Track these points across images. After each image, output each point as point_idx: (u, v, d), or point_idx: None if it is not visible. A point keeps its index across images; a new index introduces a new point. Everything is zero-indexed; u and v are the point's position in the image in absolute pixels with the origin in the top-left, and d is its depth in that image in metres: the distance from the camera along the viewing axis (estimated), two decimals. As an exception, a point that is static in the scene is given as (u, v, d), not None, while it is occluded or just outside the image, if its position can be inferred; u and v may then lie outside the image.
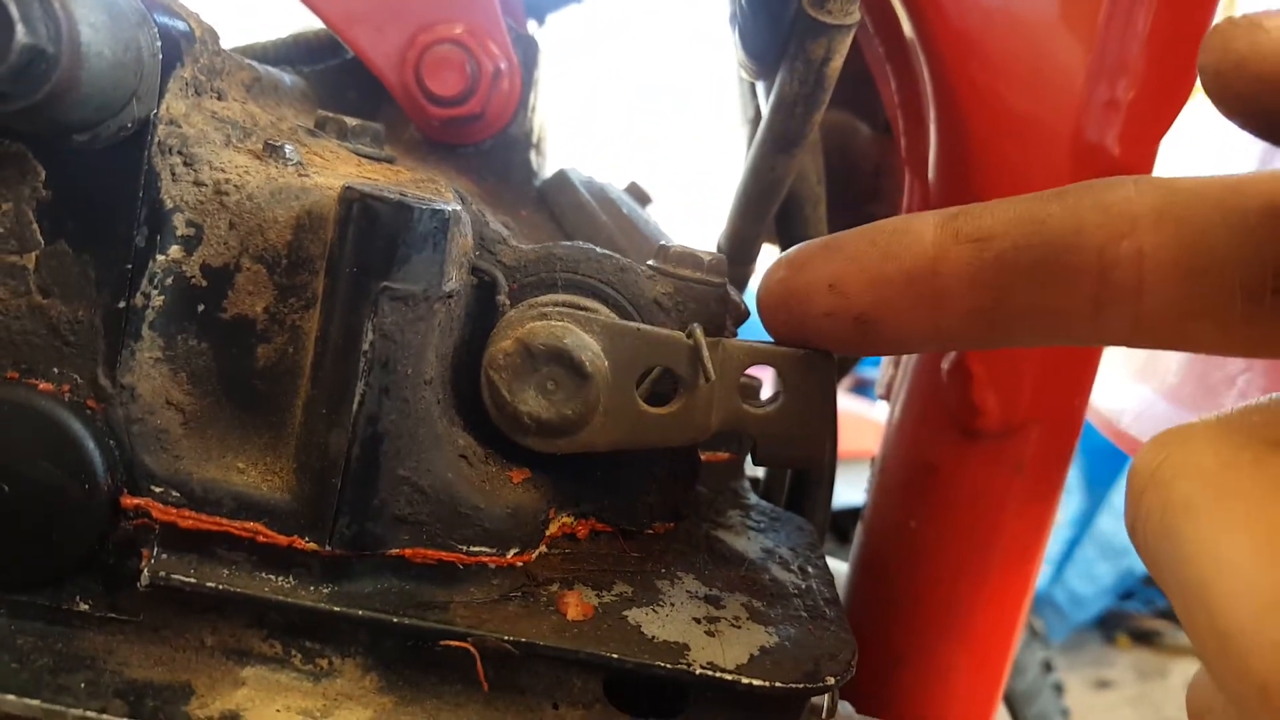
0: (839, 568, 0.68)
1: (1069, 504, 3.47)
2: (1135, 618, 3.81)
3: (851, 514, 0.71)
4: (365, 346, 0.34)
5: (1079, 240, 0.30)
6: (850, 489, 0.86)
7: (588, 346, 0.37)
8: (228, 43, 0.47)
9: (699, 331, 0.39)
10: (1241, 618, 0.21)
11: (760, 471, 0.68)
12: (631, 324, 0.39)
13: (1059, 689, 2.29)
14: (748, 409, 0.40)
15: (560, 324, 0.37)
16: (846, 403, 2.65)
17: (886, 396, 0.69)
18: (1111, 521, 3.49)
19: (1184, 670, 3.38)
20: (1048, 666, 2.27)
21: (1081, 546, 3.54)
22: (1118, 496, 3.40)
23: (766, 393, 0.48)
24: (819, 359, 0.40)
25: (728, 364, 0.39)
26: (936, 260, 0.33)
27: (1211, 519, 0.23)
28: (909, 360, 0.63)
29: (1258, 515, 0.22)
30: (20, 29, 0.29)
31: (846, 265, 0.35)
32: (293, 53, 0.54)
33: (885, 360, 0.72)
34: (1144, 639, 3.75)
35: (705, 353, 0.38)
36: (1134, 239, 0.29)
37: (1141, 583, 3.72)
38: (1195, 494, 0.23)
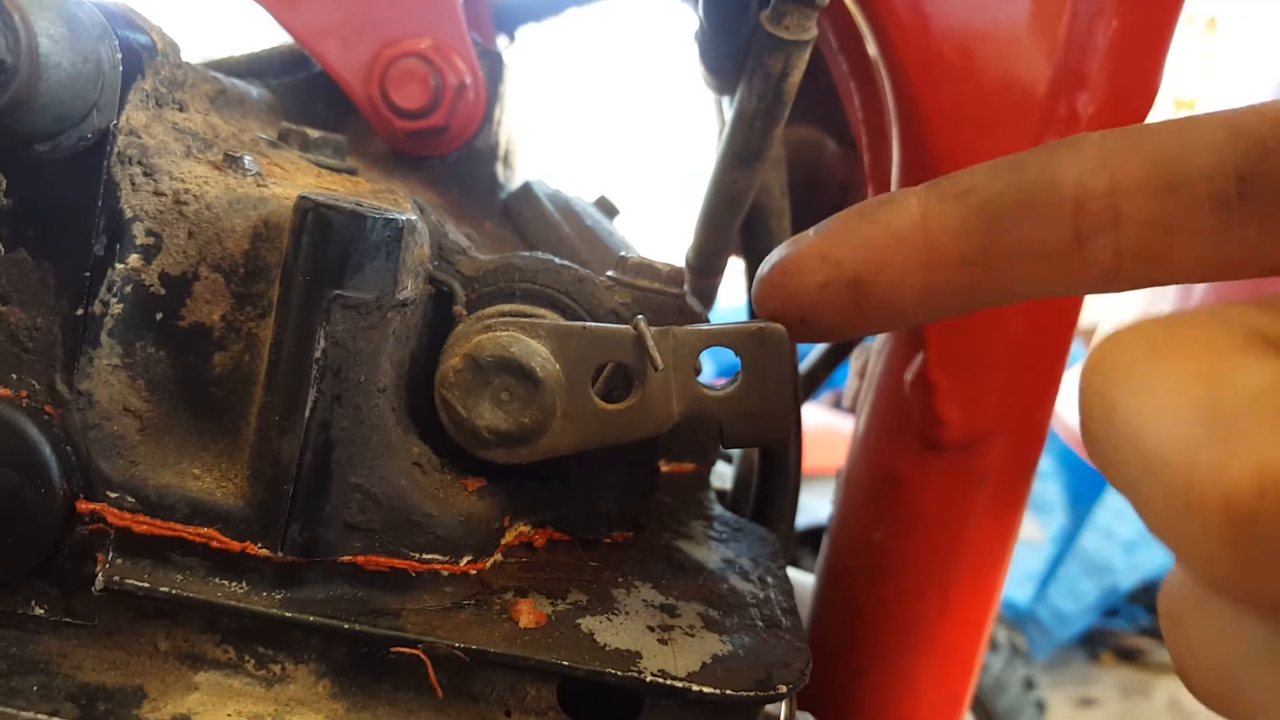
0: (810, 581, 0.69)
1: (1052, 521, 3.47)
2: (1119, 635, 3.81)
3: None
4: (317, 354, 0.35)
5: (1055, 177, 0.32)
6: (826, 504, 0.86)
7: (536, 352, 0.37)
8: (200, 56, 0.48)
9: (643, 323, 0.38)
10: (1180, 444, 0.20)
11: (727, 482, 0.68)
12: (577, 324, 0.39)
13: (1041, 707, 2.30)
14: (708, 392, 0.40)
15: (506, 333, 0.37)
16: (825, 417, 2.66)
17: (854, 409, 0.69)
18: (1095, 539, 3.49)
19: (1168, 688, 3.39)
20: (1029, 684, 2.27)
21: (1065, 564, 3.55)
22: (1101, 514, 3.41)
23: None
24: (773, 333, 0.39)
25: (681, 350, 0.39)
26: (924, 216, 0.34)
27: (1143, 374, 0.22)
28: (873, 372, 0.63)
29: (1186, 356, 0.22)
30: (-26, 39, 0.29)
31: (838, 236, 0.36)
32: (263, 66, 0.55)
33: (851, 372, 0.73)
34: (1128, 657, 3.75)
35: (650, 342, 0.38)
36: (1105, 169, 0.31)
37: (1126, 600, 3.72)
38: (1131, 360, 0.23)
